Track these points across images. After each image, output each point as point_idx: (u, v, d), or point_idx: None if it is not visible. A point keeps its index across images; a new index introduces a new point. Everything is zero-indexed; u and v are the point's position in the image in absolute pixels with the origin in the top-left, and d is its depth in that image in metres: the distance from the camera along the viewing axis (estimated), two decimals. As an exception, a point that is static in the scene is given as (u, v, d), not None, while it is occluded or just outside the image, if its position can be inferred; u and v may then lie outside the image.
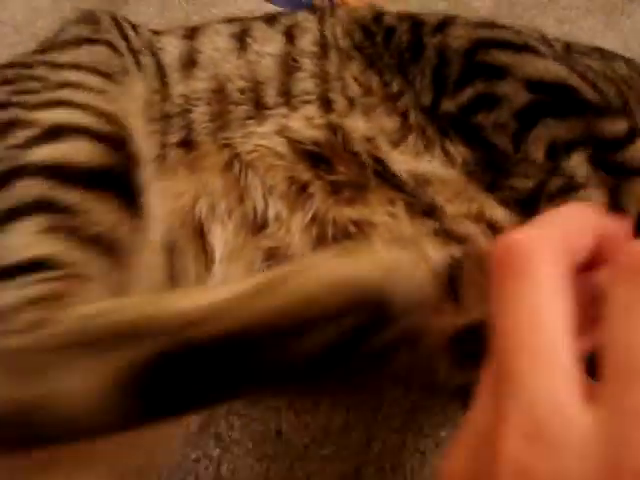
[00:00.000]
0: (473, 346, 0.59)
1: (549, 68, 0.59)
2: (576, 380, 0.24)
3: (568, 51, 0.71)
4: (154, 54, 0.68)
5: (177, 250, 0.56)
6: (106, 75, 0.59)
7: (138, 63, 0.66)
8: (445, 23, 0.65)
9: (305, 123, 0.61)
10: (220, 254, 0.56)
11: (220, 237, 0.56)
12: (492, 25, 0.67)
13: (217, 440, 0.66)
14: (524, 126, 0.56)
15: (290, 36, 0.68)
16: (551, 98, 0.57)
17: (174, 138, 0.62)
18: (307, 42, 0.67)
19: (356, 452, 0.67)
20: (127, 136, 0.53)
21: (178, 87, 0.65)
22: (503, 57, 0.60)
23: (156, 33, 0.75)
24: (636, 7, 1.29)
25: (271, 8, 0.97)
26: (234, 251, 0.56)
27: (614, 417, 0.22)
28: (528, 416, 0.23)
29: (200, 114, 0.63)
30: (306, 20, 0.70)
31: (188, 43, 0.69)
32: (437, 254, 0.56)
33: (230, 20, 0.75)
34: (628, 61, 0.74)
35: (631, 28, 1.23)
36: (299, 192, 0.58)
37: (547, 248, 0.27)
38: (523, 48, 0.62)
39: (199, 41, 0.69)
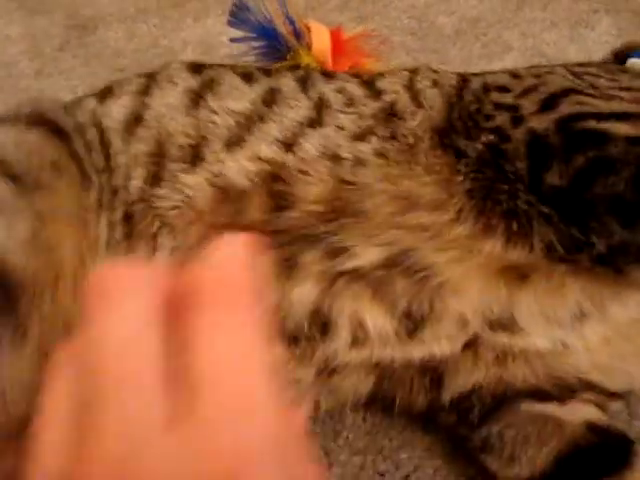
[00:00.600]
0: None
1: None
2: (160, 405, 0.24)
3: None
4: (97, 124, 0.68)
5: None
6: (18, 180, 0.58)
7: (86, 145, 0.65)
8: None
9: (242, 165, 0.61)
10: None
11: None
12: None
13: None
14: None
15: (269, 101, 0.67)
16: None
17: (118, 214, 0.62)
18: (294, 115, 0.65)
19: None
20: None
21: (121, 157, 0.65)
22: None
23: (103, 97, 0.73)
24: (600, 18, 1.30)
25: (237, 33, 0.98)
26: None
27: (193, 431, 0.24)
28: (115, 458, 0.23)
29: (137, 179, 0.63)
30: (293, 92, 0.69)
31: (140, 99, 0.69)
32: None
33: (197, 68, 0.74)
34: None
35: (595, 40, 1.25)
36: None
37: (138, 283, 0.27)
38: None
39: (152, 95, 0.69)
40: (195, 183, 0.60)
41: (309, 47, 0.94)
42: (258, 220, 0.59)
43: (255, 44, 0.97)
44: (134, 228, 0.61)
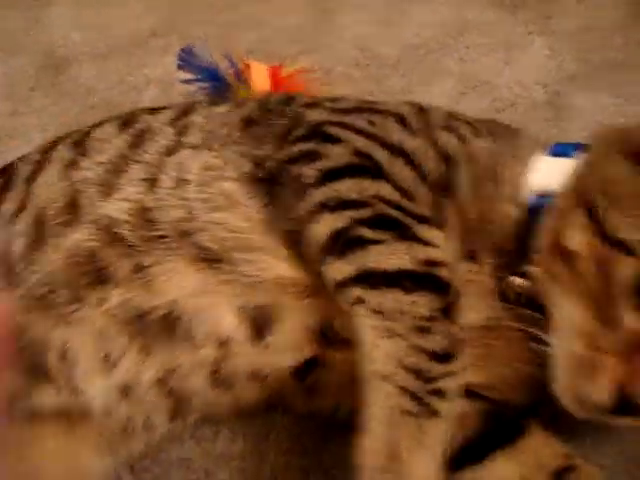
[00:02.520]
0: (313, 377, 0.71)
1: None
2: None
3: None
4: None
5: None
6: None
7: None
8: None
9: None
10: None
11: None
12: None
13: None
14: None
15: (136, 143, 0.72)
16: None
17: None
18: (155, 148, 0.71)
19: (252, 475, 0.78)
20: None
21: (19, 240, 0.69)
22: None
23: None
24: (533, 39, 1.39)
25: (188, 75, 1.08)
26: None
27: None
28: None
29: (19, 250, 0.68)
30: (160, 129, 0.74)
31: (25, 187, 0.73)
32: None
33: (76, 143, 0.76)
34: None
35: (527, 64, 1.33)
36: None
37: None
38: None
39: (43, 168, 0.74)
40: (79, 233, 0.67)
41: (249, 85, 1.03)
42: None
43: (202, 85, 1.07)
44: None
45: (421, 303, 0.56)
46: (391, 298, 0.56)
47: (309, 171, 0.64)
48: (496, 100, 1.22)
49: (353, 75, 1.27)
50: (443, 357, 0.55)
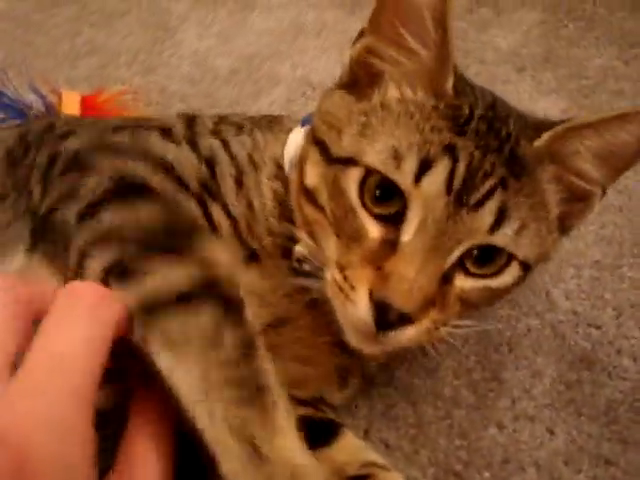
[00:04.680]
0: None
1: None
2: None
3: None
4: None
5: None
6: None
7: None
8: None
9: None
10: None
11: None
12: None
13: None
14: None
15: None
16: None
17: None
18: None
19: None
20: None
21: None
22: None
23: None
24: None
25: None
26: None
27: None
28: None
29: None
30: None
31: None
32: None
33: None
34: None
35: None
36: None
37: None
38: None
39: None
40: None
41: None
42: None
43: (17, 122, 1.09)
44: None
45: (204, 320, 0.54)
46: (174, 324, 0.53)
47: (69, 215, 0.59)
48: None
49: (187, 92, 1.30)
50: (244, 357, 0.53)
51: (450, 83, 0.62)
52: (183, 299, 0.54)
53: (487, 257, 0.62)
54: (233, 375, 0.52)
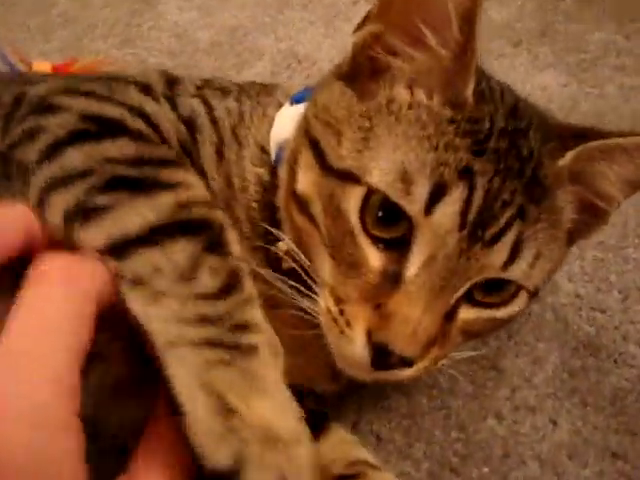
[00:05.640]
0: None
1: None
2: None
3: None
4: None
5: None
6: None
7: None
8: None
9: None
10: None
11: None
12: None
13: None
14: None
15: None
16: None
17: None
18: None
19: None
20: None
21: None
22: None
23: None
24: (359, 8, 1.37)
25: None
26: None
27: None
28: None
29: None
30: None
31: None
32: None
33: None
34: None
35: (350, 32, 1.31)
36: None
37: None
38: None
39: None
40: None
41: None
42: None
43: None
44: None
45: (176, 252, 0.48)
46: (144, 260, 0.47)
47: (30, 153, 0.54)
48: (310, 77, 1.20)
49: (166, 64, 1.23)
50: (223, 292, 0.47)
51: (470, 90, 0.53)
52: (152, 234, 0.48)
53: (496, 286, 0.56)
54: (208, 311, 0.46)
